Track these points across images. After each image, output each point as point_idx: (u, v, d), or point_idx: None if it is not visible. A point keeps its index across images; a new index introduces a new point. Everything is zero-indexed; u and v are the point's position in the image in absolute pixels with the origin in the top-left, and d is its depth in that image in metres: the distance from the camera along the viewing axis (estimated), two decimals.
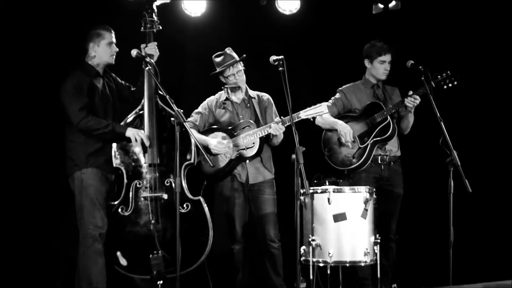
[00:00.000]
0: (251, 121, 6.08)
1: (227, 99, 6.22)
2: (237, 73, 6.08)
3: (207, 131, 6.19)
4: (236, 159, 6.06)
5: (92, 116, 5.62)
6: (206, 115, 6.23)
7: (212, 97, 6.30)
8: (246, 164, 6.09)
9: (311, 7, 7.02)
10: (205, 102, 6.28)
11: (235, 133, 6.08)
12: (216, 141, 6.02)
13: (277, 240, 6.05)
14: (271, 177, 6.15)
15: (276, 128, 5.87)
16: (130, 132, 5.69)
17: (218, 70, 6.09)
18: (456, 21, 6.93)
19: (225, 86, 6.18)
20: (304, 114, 5.81)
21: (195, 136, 5.69)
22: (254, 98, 6.22)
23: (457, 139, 5.63)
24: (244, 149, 6.04)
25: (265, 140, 6.08)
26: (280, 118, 5.94)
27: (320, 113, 5.81)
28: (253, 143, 6.01)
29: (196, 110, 6.26)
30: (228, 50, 6.11)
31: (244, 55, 6.07)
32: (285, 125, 5.87)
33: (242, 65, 6.11)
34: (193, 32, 6.92)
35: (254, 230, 6.16)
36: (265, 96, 6.29)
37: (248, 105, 6.19)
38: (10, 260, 6.26)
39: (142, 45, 5.91)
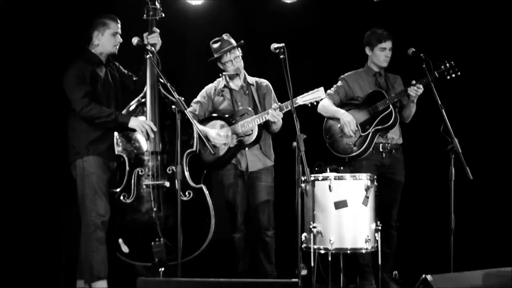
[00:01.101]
0: (249, 108, 6.06)
1: (225, 86, 6.19)
2: (234, 59, 6.05)
3: (205, 120, 6.17)
4: (235, 147, 6.05)
5: (95, 103, 5.62)
6: (206, 103, 6.21)
7: (210, 85, 6.28)
8: (245, 152, 6.08)
9: None
10: (203, 91, 6.27)
11: (233, 121, 6.06)
12: (215, 133, 6.01)
13: (271, 228, 6.07)
14: (270, 164, 6.15)
15: (274, 114, 5.84)
16: (135, 123, 5.70)
17: (215, 56, 6.07)
18: (459, 10, 6.91)
19: (223, 73, 6.16)
20: (302, 99, 5.78)
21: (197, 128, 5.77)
22: (253, 84, 6.19)
23: (458, 126, 5.63)
24: (242, 136, 6.02)
25: (264, 127, 6.08)
26: (278, 104, 5.90)
27: (318, 98, 5.78)
28: (252, 130, 6.00)
29: (195, 100, 6.24)
30: (226, 36, 6.09)
31: (242, 41, 6.06)
32: (283, 111, 5.85)
33: (240, 51, 6.09)
34: (194, 20, 6.91)
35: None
36: (264, 82, 6.26)
37: (247, 92, 6.17)
38: (11, 257, 6.27)
39: (145, 34, 5.92)
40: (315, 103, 5.82)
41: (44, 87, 6.27)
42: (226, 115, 6.12)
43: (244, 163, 6.09)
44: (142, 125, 5.69)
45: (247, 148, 6.07)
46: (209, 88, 6.26)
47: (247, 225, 6.19)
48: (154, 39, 5.91)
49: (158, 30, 5.94)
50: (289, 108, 5.69)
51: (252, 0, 7.01)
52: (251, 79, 6.23)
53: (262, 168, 6.10)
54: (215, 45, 6.08)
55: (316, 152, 6.04)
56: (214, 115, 6.18)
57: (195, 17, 6.90)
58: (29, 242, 6.33)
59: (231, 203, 6.13)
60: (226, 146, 6.04)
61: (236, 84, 6.19)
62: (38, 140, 6.38)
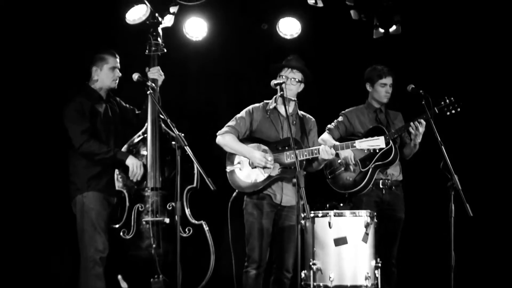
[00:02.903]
0: (297, 139, 5.73)
1: (275, 108, 5.87)
2: (292, 79, 5.73)
3: (247, 140, 5.84)
4: (275, 176, 5.70)
5: (94, 140, 5.64)
6: (249, 121, 5.85)
7: (257, 104, 5.94)
8: (282, 184, 5.74)
9: (312, 32, 7.06)
10: (249, 108, 5.91)
11: (279, 149, 5.73)
12: (261, 155, 5.67)
13: (291, 271, 5.73)
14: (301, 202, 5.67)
15: (327, 151, 5.53)
16: (130, 161, 5.71)
17: (282, 63, 5.79)
18: (457, 46, 6.97)
19: (280, 95, 5.61)
20: (359, 144, 5.53)
21: (235, 145, 5.69)
22: (301, 117, 5.86)
23: (458, 163, 5.63)
24: (287, 168, 5.69)
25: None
26: (333, 142, 5.65)
27: (377, 146, 5.52)
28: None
29: (238, 116, 5.88)
30: (298, 56, 5.84)
31: (309, 72, 5.78)
32: (337, 151, 5.61)
33: (302, 79, 5.76)
34: (194, 56, 6.95)
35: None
36: (311, 118, 5.99)
37: (294, 122, 5.83)
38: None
39: (146, 69, 5.95)
40: (372, 151, 5.63)
41: (45, 123, 6.29)
42: (272, 141, 5.79)
43: (279, 195, 5.72)
44: (135, 167, 5.71)
45: (284, 181, 5.76)
46: (256, 107, 5.91)
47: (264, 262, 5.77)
48: (154, 74, 5.94)
49: (158, 66, 5.97)
50: (344, 148, 5.60)
51: (253, 35, 7.06)
52: (299, 112, 5.91)
53: (293, 205, 5.66)
54: (286, 58, 5.83)
55: (316, 188, 6.01)
56: (257, 137, 5.84)
57: (195, 52, 6.93)
58: (27, 277, 6.32)
59: (255, 235, 5.69)
60: (266, 174, 5.72)
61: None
62: (43, 170, 6.38)
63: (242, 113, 5.90)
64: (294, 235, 5.55)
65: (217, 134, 5.84)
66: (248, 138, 5.87)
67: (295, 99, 5.84)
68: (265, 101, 5.94)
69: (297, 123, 5.84)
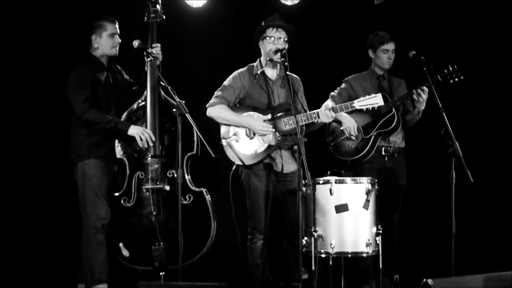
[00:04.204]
0: (294, 104, 5.48)
1: (262, 73, 5.73)
2: (277, 39, 5.61)
3: (238, 109, 5.71)
4: (275, 145, 5.61)
5: (95, 109, 5.63)
6: (238, 89, 5.69)
7: (242, 70, 5.78)
8: (280, 152, 5.65)
9: None
10: (235, 74, 5.77)
11: (275, 115, 5.61)
12: (261, 123, 5.57)
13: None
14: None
15: (327, 114, 5.48)
16: (134, 131, 5.68)
17: (262, 24, 5.67)
18: (460, 12, 6.91)
19: (270, 59, 5.64)
20: (358, 104, 5.49)
21: (230, 115, 5.58)
22: (288, 78, 5.55)
23: (459, 129, 5.62)
24: (286, 135, 5.59)
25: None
26: (331, 105, 5.57)
27: (375, 104, 5.49)
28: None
29: (225, 83, 5.73)
30: (278, 15, 5.72)
31: (293, 30, 5.69)
32: (336, 112, 5.56)
33: (286, 39, 5.65)
34: (194, 23, 6.89)
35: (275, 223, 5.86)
36: (297, 78, 5.86)
37: (283, 84, 5.70)
38: (12, 261, 6.31)
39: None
40: (370, 109, 5.61)
41: (47, 91, 6.27)
42: (267, 108, 5.67)
43: (280, 163, 5.65)
44: (141, 133, 5.69)
45: (282, 148, 5.66)
46: (242, 73, 5.76)
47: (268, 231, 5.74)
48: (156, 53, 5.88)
49: (159, 44, 5.92)
50: (344, 110, 5.56)
51: (254, 2, 6.99)
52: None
53: (294, 171, 5.62)
54: (266, 19, 5.70)
55: (318, 155, 6.00)
56: (250, 105, 5.70)
57: (195, 19, 6.88)
58: (30, 245, 6.35)
59: (259, 206, 5.62)
60: (265, 143, 5.60)
61: (273, 74, 5.75)
62: (41, 144, 6.38)
63: (229, 80, 5.75)
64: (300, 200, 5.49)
65: (207, 106, 5.70)
66: (239, 106, 5.75)
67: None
68: (249, 64, 5.82)
69: (286, 86, 5.61)
